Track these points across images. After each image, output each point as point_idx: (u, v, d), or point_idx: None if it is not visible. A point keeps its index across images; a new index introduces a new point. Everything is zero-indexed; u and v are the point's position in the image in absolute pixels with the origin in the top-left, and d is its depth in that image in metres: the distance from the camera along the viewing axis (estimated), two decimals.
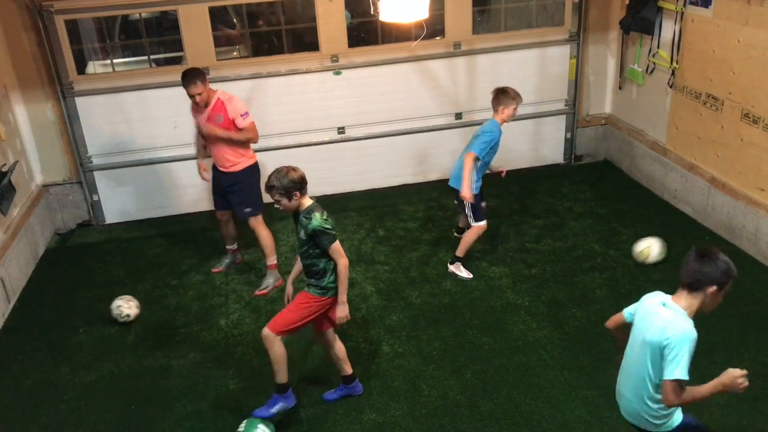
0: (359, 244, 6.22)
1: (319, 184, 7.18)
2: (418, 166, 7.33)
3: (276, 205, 3.93)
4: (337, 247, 3.87)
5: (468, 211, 5.39)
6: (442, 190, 7.17)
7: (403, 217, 6.67)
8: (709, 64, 5.79)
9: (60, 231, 6.82)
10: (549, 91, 7.25)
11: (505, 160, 7.36)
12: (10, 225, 5.80)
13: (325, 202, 7.01)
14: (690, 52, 6.04)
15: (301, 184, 3.83)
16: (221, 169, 5.42)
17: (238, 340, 4.99)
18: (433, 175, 7.38)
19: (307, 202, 3.92)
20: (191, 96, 5.11)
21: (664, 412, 3.04)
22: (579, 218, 6.44)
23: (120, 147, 6.64)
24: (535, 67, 7.16)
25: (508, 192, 6.99)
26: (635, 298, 5.09)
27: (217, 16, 6.85)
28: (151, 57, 6.75)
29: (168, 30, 7.01)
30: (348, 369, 4.29)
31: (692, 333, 2.83)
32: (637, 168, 7.11)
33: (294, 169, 3.86)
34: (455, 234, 6.04)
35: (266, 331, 3.94)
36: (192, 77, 5.08)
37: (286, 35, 6.82)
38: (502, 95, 5.30)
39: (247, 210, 5.46)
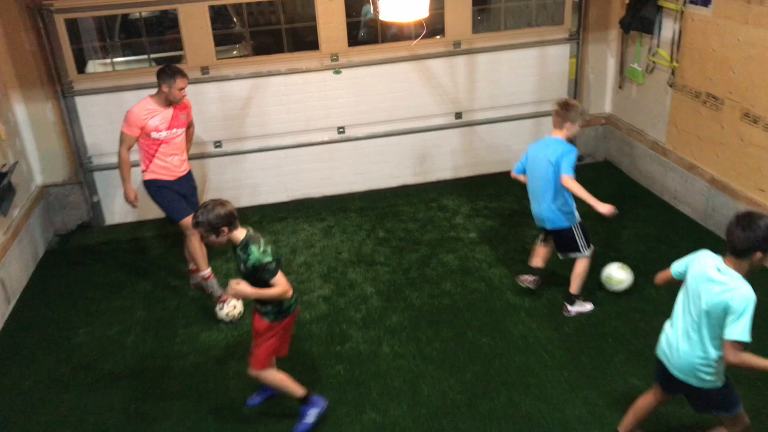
0: (359, 245, 6.22)
1: (319, 184, 7.19)
2: (418, 166, 7.32)
3: (204, 242, 3.74)
4: (279, 280, 3.66)
5: (580, 240, 4.86)
6: (442, 191, 7.17)
7: (403, 218, 6.67)
8: (709, 64, 5.79)
9: (60, 232, 6.82)
10: (549, 91, 7.25)
11: (505, 161, 7.40)
12: (10, 226, 5.80)
13: (325, 202, 7.09)
14: (690, 51, 6.03)
15: (228, 219, 3.59)
16: (182, 173, 5.27)
17: (238, 340, 5.00)
18: (433, 176, 7.38)
19: (241, 234, 3.67)
20: (180, 89, 4.98)
21: (717, 370, 3.20)
22: None
23: None
24: (534, 66, 7.15)
25: (508, 193, 6.99)
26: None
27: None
28: (151, 56, 6.75)
29: (168, 29, 7.02)
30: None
31: (753, 296, 3.00)
32: (637, 168, 7.10)
33: (222, 203, 3.62)
34: (527, 277, 5.25)
35: (252, 372, 3.96)
36: (182, 71, 5.01)
37: (286, 34, 6.81)
38: (570, 111, 4.65)
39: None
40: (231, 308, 5.20)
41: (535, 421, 4.10)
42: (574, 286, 5.00)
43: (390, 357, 4.73)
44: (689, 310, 3.24)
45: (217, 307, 5.22)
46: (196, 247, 5.24)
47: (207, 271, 5.30)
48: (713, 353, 3.17)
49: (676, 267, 3.38)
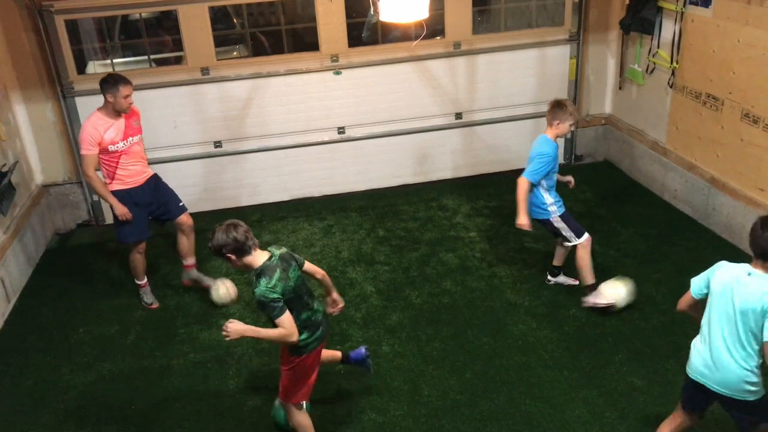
0: (359, 244, 6.23)
1: (319, 184, 7.20)
2: (418, 166, 7.33)
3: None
4: (283, 321, 3.32)
5: (567, 233, 4.95)
6: (442, 190, 7.18)
7: (403, 217, 6.67)
8: (709, 64, 5.79)
9: (60, 231, 6.82)
10: (549, 91, 7.24)
11: (505, 161, 7.41)
12: (10, 225, 5.80)
13: (324, 202, 7.09)
14: (690, 52, 6.04)
15: (233, 246, 3.32)
16: (142, 180, 5.15)
17: (238, 340, 4.98)
18: (433, 175, 7.38)
19: (259, 260, 3.40)
20: (126, 97, 4.87)
21: (759, 377, 3.16)
22: (579, 218, 6.39)
23: None
24: (535, 67, 7.16)
25: (508, 192, 6.97)
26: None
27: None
28: (151, 57, 6.75)
29: (168, 30, 7.02)
30: None
31: None
32: (637, 168, 7.10)
33: (227, 228, 3.35)
34: (549, 278, 5.41)
35: (283, 402, 3.77)
36: (125, 77, 4.90)
37: (286, 35, 6.82)
38: (559, 109, 4.84)
39: (182, 203, 5.35)
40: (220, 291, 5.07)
41: (535, 421, 4.10)
42: (586, 277, 5.03)
43: (390, 356, 4.73)
44: (723, 321, 3.16)
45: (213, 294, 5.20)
46: (138, 262, 5.33)
47: (143, 281, 5.44)
48: (755, 359, 3.13)
49: (696, 286, 3.32)
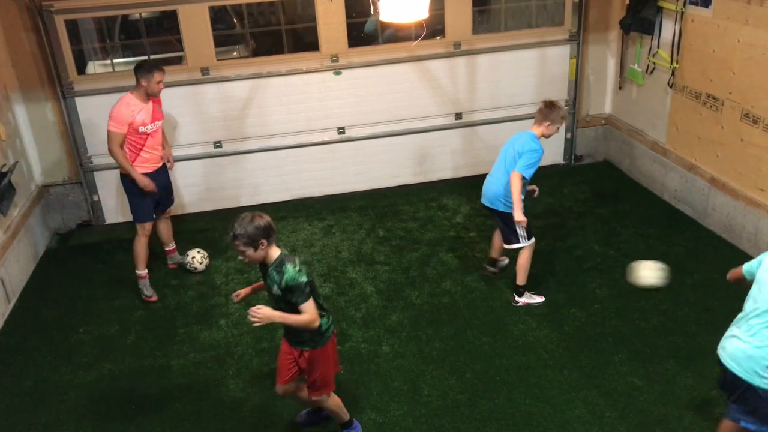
0: (359, 244, 6.23)
1: (319, 184, 7.20)
2: (418, 166, 7.33)
3: (240, 258, 3.51)
4: (309, 307, 3.47)
5: (520, 230, 4.99)
6: (442, 190, 7.18)
7: (403, 218, 6.67)
8: (709, 64, 5.79)
9: (60, 231, 6.82)
10: (549, 91, 7.24)
11: None
12: (10, 225, 5.80)
13: (325, 202, 7.09)
14: (690, 52, 6.04)
15: (267, 232, 3.43)
16: (159, 165, 5.48)
17: (238, 340, 5.00)
18: (434, 175, 7.38)
19: (275, 252, 3.53)
20: (158, 82, 5.15)
21: None
22: (579, 218, 6.44)
23: None
24: (535, 67, 7.16)
25: None
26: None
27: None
28: (151, 57, 6.75)
29: (168, 30, 7.02)
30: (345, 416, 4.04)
31: None
32: (637, 168, 7.11)
33: (260, 215, 3.48)
34: (488, 268, 5.54)
35: (316, 397, 3.83)
36: (158, 65, 5.21)
37: (286, 35, 6.82)
38: (552, 111, 4.88)
39: (173, 196, 5.86)
40: (197, 258, 5.83)
41: (535, 421, 4.10)
42: (519, 278, 5.15)
43: (390, 356, 4.73)
44: (760, 303, 3.20)
45: (188, 266, 5.85)
46: (142, 248, 5.47)
47: (144, 272, 5.55)
48: None
49: (747, 266, 3.39)
